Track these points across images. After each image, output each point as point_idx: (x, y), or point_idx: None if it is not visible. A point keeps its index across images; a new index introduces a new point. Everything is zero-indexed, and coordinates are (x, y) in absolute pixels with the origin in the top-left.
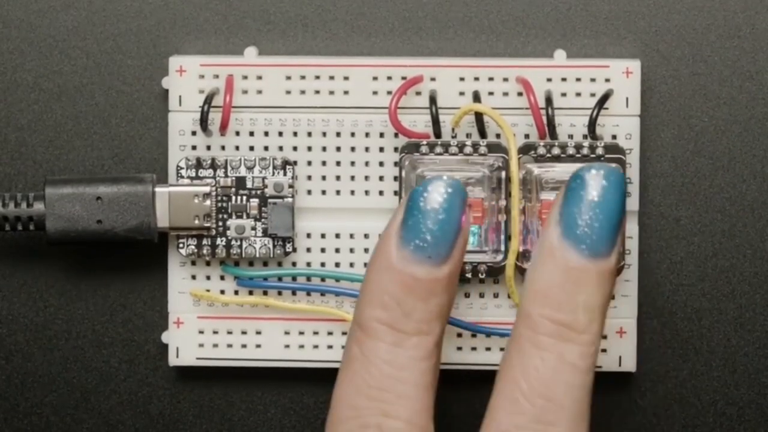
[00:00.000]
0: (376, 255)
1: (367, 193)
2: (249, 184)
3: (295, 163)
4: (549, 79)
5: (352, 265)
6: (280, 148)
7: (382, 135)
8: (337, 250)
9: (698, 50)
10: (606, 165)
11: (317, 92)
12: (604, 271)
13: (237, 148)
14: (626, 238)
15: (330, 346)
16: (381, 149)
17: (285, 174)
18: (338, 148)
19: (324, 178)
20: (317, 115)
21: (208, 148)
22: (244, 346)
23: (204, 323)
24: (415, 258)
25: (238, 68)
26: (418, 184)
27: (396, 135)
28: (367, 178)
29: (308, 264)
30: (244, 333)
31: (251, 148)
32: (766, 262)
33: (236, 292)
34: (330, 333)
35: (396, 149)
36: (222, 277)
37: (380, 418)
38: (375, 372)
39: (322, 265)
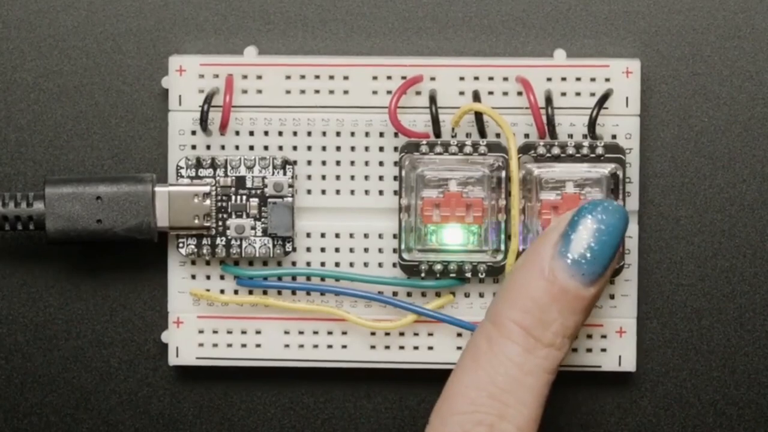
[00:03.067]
0: (528, 259)
1: (366, 192)
2: (249, 184)
3: (294, 162)
4: (549, 79)
5: (351, 264)
6: (280, 148)
7: (381, 134)
8: (337, 250)
9: (698, 50)
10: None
11: (317, 92)
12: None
13: (237, 147)
14: (626, 238)
15: (330, 346)
16: (381, 149)
17: (285, 173)
18: (338, 148)
19: (324, 177)
20: (317, 114)
21: (208, 147)
22: (243, 345)
23: (204, 323)
24: (569, 271)
25: (238, 68)
26: (418, 183)
27: (396, 134)
28: (367, 177)
29: (308, 264)
30: (243, 333)
31: (251, 148)
32: (766, 262)
33: (236, 292)
34: (330, 332)
35: (396, 149)
36: (222, 277)
37: (495, 419)
38: (501, 371)
39: (322, 264)
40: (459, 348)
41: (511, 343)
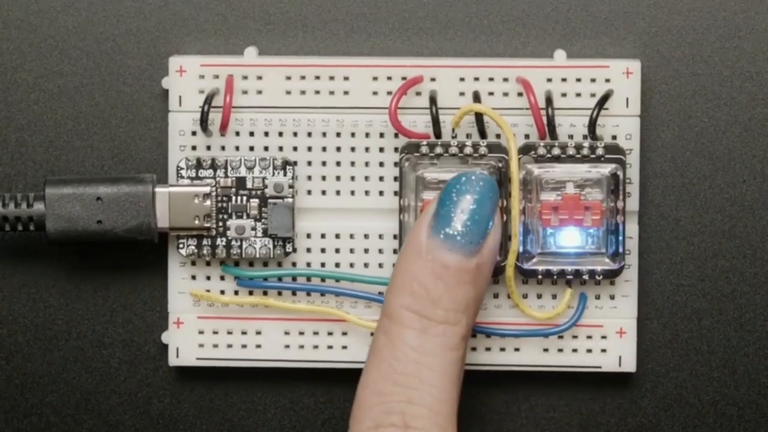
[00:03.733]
0: (407, 245)
1: (367, 193)
2: (249, 185)
3: (295, 163)
4: (549, 80)
5: (352, 265)
6: (280, 149)
7: (382, 135)
8: (337, 251)
9: (698, 50)
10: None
11: (317, 92)
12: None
13: (237, 148)
14: (626, 238)
15: (330, 346)
16: (381, 149)
17: (285, 174)
18: (338, 149)
19: (324, 178)
20: (317, 115)
21: (208, 148)
22: (244, 346)
23: (204, 323)
24: (445, 245)
25: (238, 68)
26: (418, 184)
27: (396, 135)
28: (367, 178)
29: (308, 264)
30: (244, 333)
31: (251, 149)
32: (766, 262)
33: (236, 293)
34: (330, 333)
35: (396, 149)
36: (222, 278)
37: (405, 404)
38: (401, 358)
39: (322, 265)
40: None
41: (406, 329)
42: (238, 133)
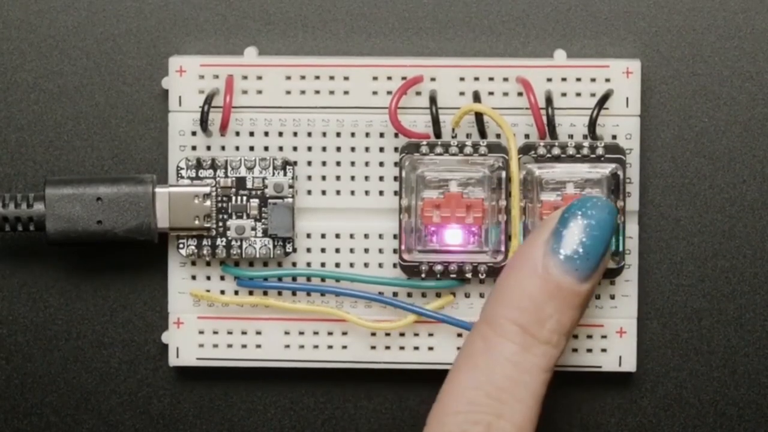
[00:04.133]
0: (520, 258)
1: (367, 193)
2: (249, 185)
3: (295, 163)
4: (549, 79)
5: (352, 265)
6: (280, 149)
7: (382, 135)
8: (337, 251)
9: (698, 50)
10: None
11: (317, 92)
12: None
13: (237, 148)
14: (626, 238)
15: (330, 346)
16: (381, 149)
17: (285, 174)
18: (338, 148)
19: (324, 178)
20: (317, 115)
21: (208, 148)
22: (244, 346)
23: (204, 323)
24: (563, 267)
25: (238, 68)
26: (418, 184)
27: (396, 135)
28: (367, 178)
29: (308, 264)
30: (244, 333)
31: (251, 149)
32: (766, 262)
33: (236, 293)
34: (330, 333)
35: (396, 149)
36: (222, 278)
37: (493, 417)
38: (498, 370)
39: (322, 265)
40: (459, 348)
41: (508, 341)
42: (238, 133)
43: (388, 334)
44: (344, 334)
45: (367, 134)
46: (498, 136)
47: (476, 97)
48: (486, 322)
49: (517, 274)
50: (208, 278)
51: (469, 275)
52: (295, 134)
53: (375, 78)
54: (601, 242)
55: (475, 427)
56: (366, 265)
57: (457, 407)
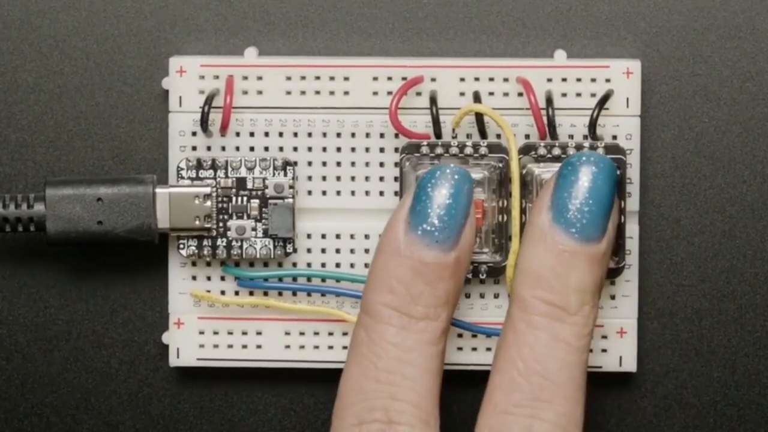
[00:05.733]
0: (384, 241)
1: (367, 193)
2: (249, 185)
3: (295, 163)
4: (549, 80)
5: (352, 265)
6: (281, 149)
7: (382, 135)
8: (338, 251)
9: (698, 50)
10: (596, 153)
11: (317, 93)
12: (594, 254)
13: (237, 148)
14: (626, 239)
15: (330, 347)
16: (381, 150)
17: (285, 175)
18: (338, 149)
19: (324, 178)
20: (317, 115)
21: (209, 148)
22: (244, 346)
23: (204, 324)
24: (423, 242)
25: (238, 69)
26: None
27: (396, 135)
28: (367, 178)
29: (308, 264)
30: (244, 333)
31: (251, 149)
32: (766, 262)
33: (237, 293)
34: (330, 333)
35: (396, 150)
36: (222, 278)
37: (387, 401)
38: (382, 354)
39: (323, 265)
40: (459, 348)
41: (386, 325)
42: (238, 134)
43: None
44: (344, 334)
45: (368, 134)
46: (498, 136)
47: (476, 98)
48: (364, 311)
49: (382, 258)
50: (209, 279)
51: (469, 275)
52: (296, 134)
53: (375, 78)
54: (457, 209)
55: (372, 413)
56: (366, 265)
57: (352, 399)
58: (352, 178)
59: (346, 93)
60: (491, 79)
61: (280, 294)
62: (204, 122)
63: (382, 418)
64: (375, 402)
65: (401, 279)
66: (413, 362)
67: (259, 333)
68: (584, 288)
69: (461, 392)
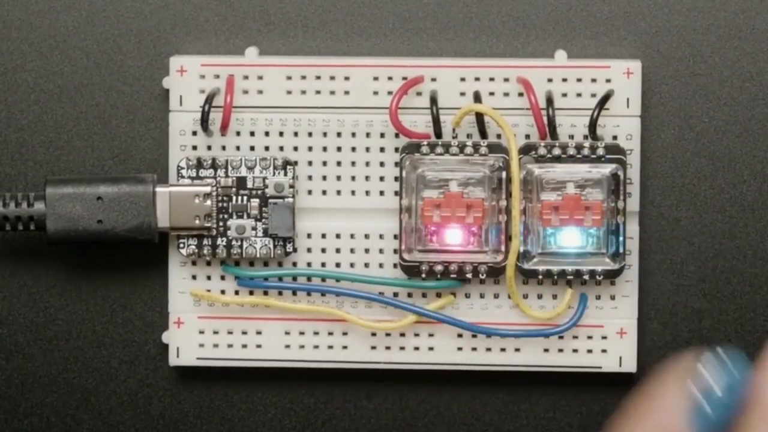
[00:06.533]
0: (653, 414)
1: (367, 193)
2: (250, 184)
3: (295, 163)
4: (550, 80)
5: (352, 265)
6: (281, 148)
7: (382, 135)
8: (338, 251)
9: (699, 51)
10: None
11: (318, 92)
12: None
13: (238, 148)
14: (627, 238)
15: (330, 346)
16: (382, 149)
17: (286, 174)
18: (339, 148)
19: (324, 178)
20: (318, 115)
21: (209, 148)
22: (244, 346)
23: (204, 323)
24: None
25: (238, 68)
26: (419, 184)
27: (397, 135)
28: (367, 178)
29: (309, 264)
30: (244, 333)
31: (252, 148)
32: (766, 262)
33: (237, 292)
34: (330, 333)
35: (397, 149)
36: (222, 277)
37: None
38: None
39: (323, 265)
40: (459, 348)
41: None
42: (238, 133)
43: (388, 334)
44: (344, 334)
45: (368, 134)
46: (498, 136)
47: (477, 98)
48: None
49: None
50: (209, 278)
51: (469, 275)
52: (296, 134)
53: (375, 78)
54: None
55: None
56: (366, 265)
57: None
58: (353, 178)
59: (347, 93)
60: (491, 79)
61: (280, 293)
62: (204, 121)
63: None
64: None
65: None
66: None
67: (259, 332)
68: None
69: (461, 392)
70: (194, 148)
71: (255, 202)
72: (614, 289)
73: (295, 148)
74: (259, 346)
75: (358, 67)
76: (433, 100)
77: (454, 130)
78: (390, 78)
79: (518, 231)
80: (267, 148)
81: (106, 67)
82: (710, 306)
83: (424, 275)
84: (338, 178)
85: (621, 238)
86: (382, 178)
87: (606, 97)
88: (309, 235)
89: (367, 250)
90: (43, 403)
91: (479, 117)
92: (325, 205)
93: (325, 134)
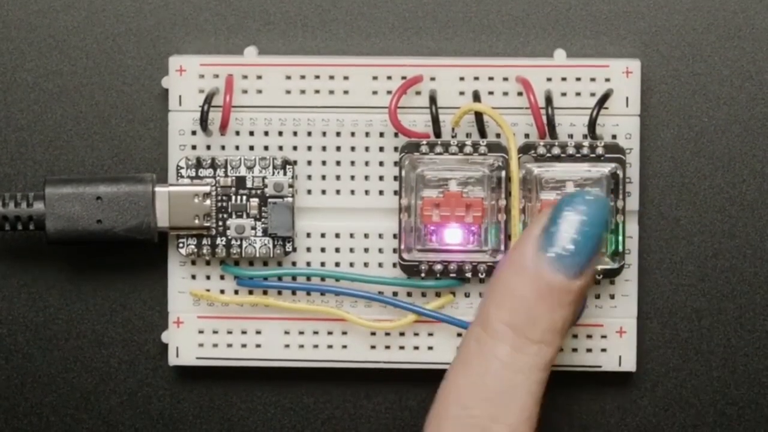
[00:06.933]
0: (512, 257)
1: (367, 192)
2: (249, 184)
3: (295, 162)
4: (549, 79)
5: (351, 264)
6: (280, 148)
7: (382, 134)
8: (337, 250)
9: (698, 50)
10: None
11: (317, 92)
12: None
13: (237, 147)
14: (626, 238)
15: (330, 346)
16: (381, 149)
17: (285, 174)
18: (338, 148)
19: (324, 177)
20: (317, 114)
21: (208, 147)
22: (244, 345)
23: (204, 323)
24: (553, 265)
25: (238, 68)
26: (418, 183)
27: (396, 135)
28: (367, 177)
29: (308, 264)
30: (244, 333)
31: (251, 148)
32: (766, 262)
33: (236, 292)
34: (330, 333)
35: (396, 149)
36: (222, 277)
37: (487, 421)
38: (491, 372)
39: (322, 264)
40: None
41: (500, 343)
42: (238, 133)
43: (387, 334)
44: (344, 333)
45: (367, 134)
46: (498, 135)
47: (476, 97)
48: (479, 324)
49: (507, 274)
50: (208, 278)
51: (468, 275)
52: (295, 134)
53: (375, 78)
54: (592, 238)
55: (471, 431)
56: (366, 264)
57: (453, 411)
58: (352, 177)
59: (346, 92)
60: (491, 79)
61: (279, 293)
62: (204, 121)
63: None
64: (476, 420)
65: (524, 299)
66: (521, 385)
67: (258, 332)
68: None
69: None
70: (193, 147)
71: (254, 201)
72: (614, 288)
73: (295, 148)
74: (258, 345)
75: (357, 66)
76: (433, 100)
77: (454, 129)
78: (389, 77)
79: (518, 230)
80: (266, 148)
81: (105, 66)
82: (710, 306)
83: (423, 275)
84: (338, 177)
85: (620, 237)
86: (381, 178)
87: (605, 97)
88: (308, 235)
89: (366, 250)
90: (43, 402)
91: (478, 116)
92: (325, 205)
93: (324, 134)
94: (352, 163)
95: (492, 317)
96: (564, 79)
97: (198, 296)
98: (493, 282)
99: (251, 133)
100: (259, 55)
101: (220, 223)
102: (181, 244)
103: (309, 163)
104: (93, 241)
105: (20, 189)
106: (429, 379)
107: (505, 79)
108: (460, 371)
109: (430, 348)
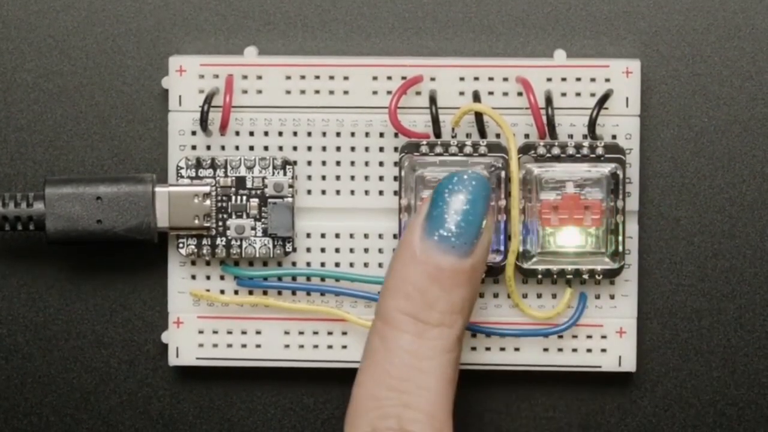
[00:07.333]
0: (401, 247)
1: (366, 193)
2: (249, 184)
3: (294, 162)
4: (549, 79)
5: (351, 265)
6: (280, 148)
7: (382, 135)
8: (337, 250)
9: (698, 50)
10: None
11: (317, 92)
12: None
13: (237, 147)
14: (626, 238)
15: (330, 346)
16: (381, 149)
17: (285, 174)
18: (338, 148)
19: (324, 177)
20: (317, 114)
21: (208, 147)
22: (244, 346)
23: (204, 323)
24: (440, 248)
25: (238, 68)
26: (418, 183)
27: (396, 135)
28: (366, 178)
29: (308, 264)
30: (244, 333)
31: (251, 148)
32: (766, 262)
33: (236, 292)
34: (330, 333)
35: (396, 149)
36: (222, 277)
37: (400, 409)
38: (397, 362)
39: (322, 264)
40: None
41: (401, 332)
42: (237, 133)
43: None
44: (344, 333)
45: (367, 134)
46: (498, 135)
47: (476, 97)
48: (379, 318)
49: (399, 264)
50: (208, 278)
51: None
52: (295, 134)
53: (375, 78)
54: (474, 216)
55: (385, 421)
56: (366, 264)
57: (365, 406)
58: (352, 178)
59: (346, 92)
60: (491, 79)
61: (279, 293)
62: (203, 121)
63: (394, 426)
64: (388, 410)
65: (417, 285)
66: (427, 369)
67: (258, 332)
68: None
69: (460, 392)
70: (193, 147)
71: (254, 201)
72: (613, 288)
73: (295, 148)
74: (258, 345)
75: (357, 66)
76: (433, 100)
77: (454, 129)
78: (389, 78)
79: (517, 230)
80: (266, 148)
81: (105, 67)
82: (710, 306)
83: None
84: (337, 177)
85: (620, 238)
86: (381, 178)
87: (605, 97)
88: (308, 235)
89: (366, 250)
90: (43, 402)
91: (478, 116)
92: (325, 205)
93: (324, 134)
94: (352, 163)
95: (390, 308)
96: (564, 79)
97: (198, 296)
98: (387, 274)
99: (251, 134)
100: (259, 55)
101: (220, 224)
102: (181, 245)
103: (309, 163)
104: (93, 241)
105: (20, 189)
106: None
107: (505, 79)
108: (368, 366)
109: None
